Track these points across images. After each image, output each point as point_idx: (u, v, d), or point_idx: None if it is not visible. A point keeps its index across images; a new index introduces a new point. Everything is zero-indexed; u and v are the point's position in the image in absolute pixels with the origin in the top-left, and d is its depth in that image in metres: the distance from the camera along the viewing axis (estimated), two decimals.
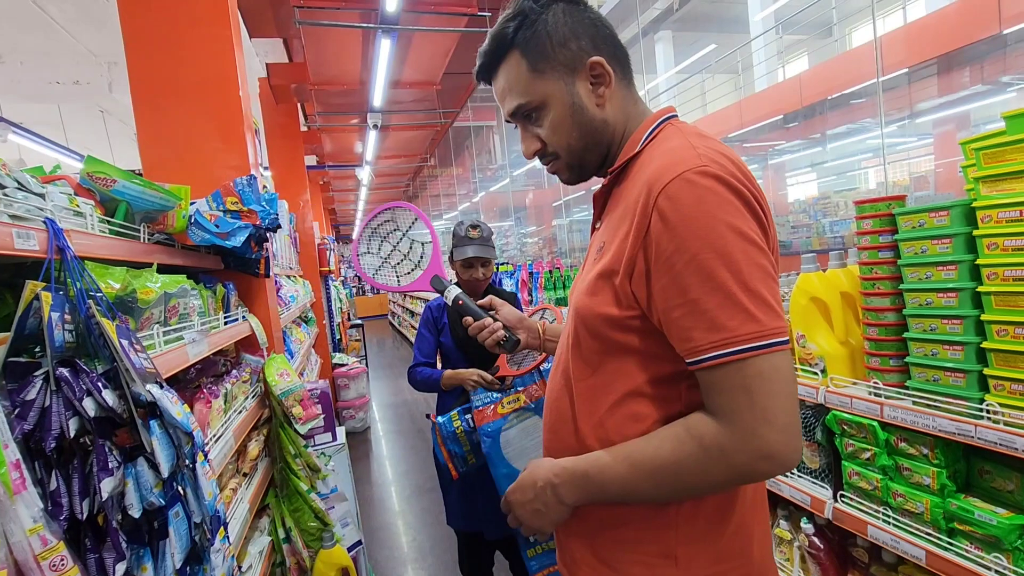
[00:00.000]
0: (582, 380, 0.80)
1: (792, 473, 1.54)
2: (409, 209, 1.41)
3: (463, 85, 6.87)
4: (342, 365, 5.51)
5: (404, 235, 1.40)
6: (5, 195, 0.81)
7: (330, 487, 1.95)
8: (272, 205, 1.74)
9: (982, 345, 1.08)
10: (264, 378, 1.78)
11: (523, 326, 1.21)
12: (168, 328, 1.18)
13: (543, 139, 0.83)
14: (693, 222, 0.65)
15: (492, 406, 1.68)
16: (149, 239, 1.31)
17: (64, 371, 0.74)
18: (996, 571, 1.05)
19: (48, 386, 0.73)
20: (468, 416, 1.72)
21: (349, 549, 1.97)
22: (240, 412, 1.54)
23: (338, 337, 6.50)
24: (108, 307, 0.87)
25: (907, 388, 1.22)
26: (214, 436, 1.30)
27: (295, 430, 1.74)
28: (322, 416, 1.88)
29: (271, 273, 2.05)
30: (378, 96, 5.75)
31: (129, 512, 0.78)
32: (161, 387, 0.87)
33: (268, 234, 1.77)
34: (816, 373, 1.41)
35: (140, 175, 1.28)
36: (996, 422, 1.04)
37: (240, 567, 1.42)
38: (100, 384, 0.77)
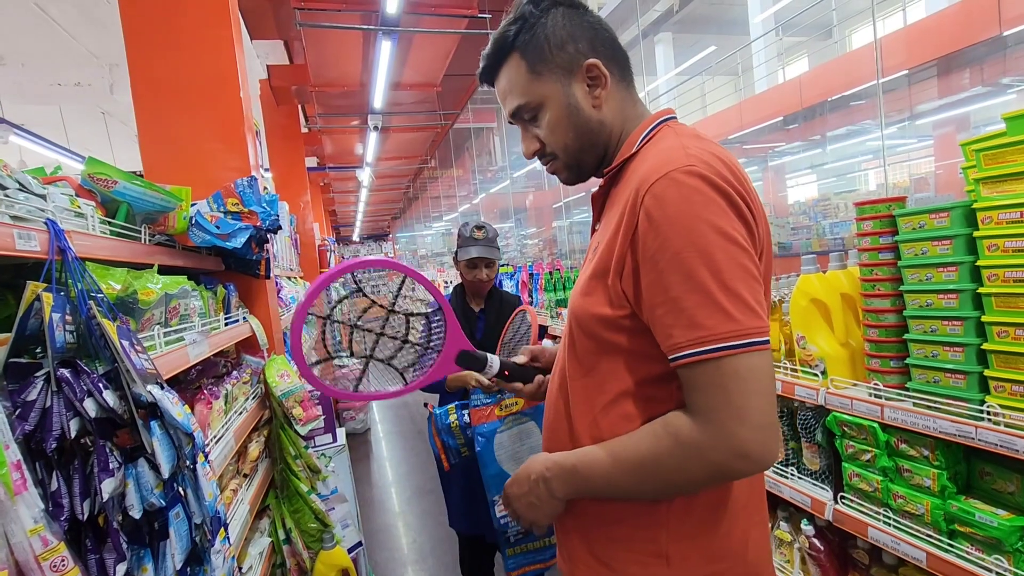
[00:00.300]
0: (577, 379, 0.82)
1: (792, 474, 1.54)
2: (385, 267, 0.91)
3: (463, 87, 6.88)
4: (342, 367, 5.49)
5: (390, 311, 0.91)
6: (6, 196, 0.81)
7: (330, 488, 1.95)
8: (273, 206, 1.75)
9: (982, 346, 1.08)
10: (264, 379, 1.78)
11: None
12: (169, 329, 1.18)
13: (542, 140, 0.85)
14: (676, 221, 0.66)
15: (490, 407, 1.69)
16: (150, 240, 1.32)
17: (65, 372, 0.74)
18: (997, 573, 1.05)
19: (49, 387, 0.73)
20: (465, 412, 1.73)
21: (349, 550, 1.97)
22: (240, 413, 1.54)
23: (339, 338, 6.47)
24: (109, 308, 0.87)
25: (907, 389, 1.22)
26: (215, 437, 1.30)
27: (295, 431, 1.74)
28: (322, 417, 1.88)
29: (272, 274, 2.05)
30: (378, 98, 5.76)
31: (130, 513, 0.78)
32: (162, 388, 0.87)
33: (269, 235, 1.77)
34: (816, 374, 1.41)
35: (141, 176, 1.29)
36: (996, 424, 1.04)
37: (240, 568, 1.42)
38: (101, 385, 0.77)
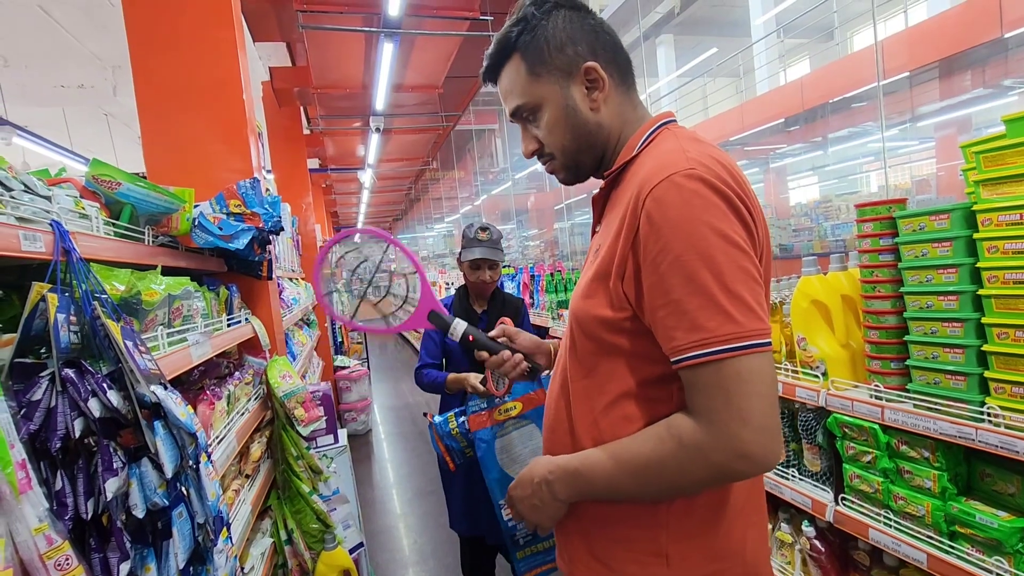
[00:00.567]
0: (578, 381, 0.82)
1: (793, 476, 1.54)
2: (374, 236, 1.16)
3: (465, 89, 6.89)
4: (344, 368, 5.51)
5: (377, 268, 1.16)
6: (12, 198, 0.82)
7: (332, 489, 1.95)
8: (275, 208, 1.75)
9: (983, 348, 1.08)
10: (266, 380, 1.79)
11: (540, 351, 1.12)
12: (172, 330, 1.19)
13: (540, 140, 0.86)
14: (677, 224, 0.67)
15: (488, 412, 1.69)
16: (153, 241, 1.32)
17: (70, 372, 0.74)
18: (997, 574, 1.05)
19: (54, 387, 0.73)
20: (464, 418, 1.74)
21: (351, 551, 1.97)
22: (243, 414, 1.55)
23: (340, 340, 6.51)
24: (113, 308, 0.88)
25: (908, 391, 1.22)
26: (217, 437, 1.31)
27: (297, 432, 1.75)
28: (324, 418, 1.89)
29: (274, 275, 2.05)
30: (380, 100, 5.78)
31: (133, 512, 0.78)
32: (165, 388, 0.88)
33: (271, 237, 1.78)
34: (817, 376, 1.41)
35: (144, 178, 1.29)
36: (997, 425, 1.04)
37: (242, 568, 1.42)
38: (105, 385, 0.78)
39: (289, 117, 5.55)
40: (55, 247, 0.82)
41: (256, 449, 1.68)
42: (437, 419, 1.79)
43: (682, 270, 0.66)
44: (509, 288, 4.16)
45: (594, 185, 0.90)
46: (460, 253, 2.08)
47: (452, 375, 1.94)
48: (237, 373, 1.67)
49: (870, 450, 1.30)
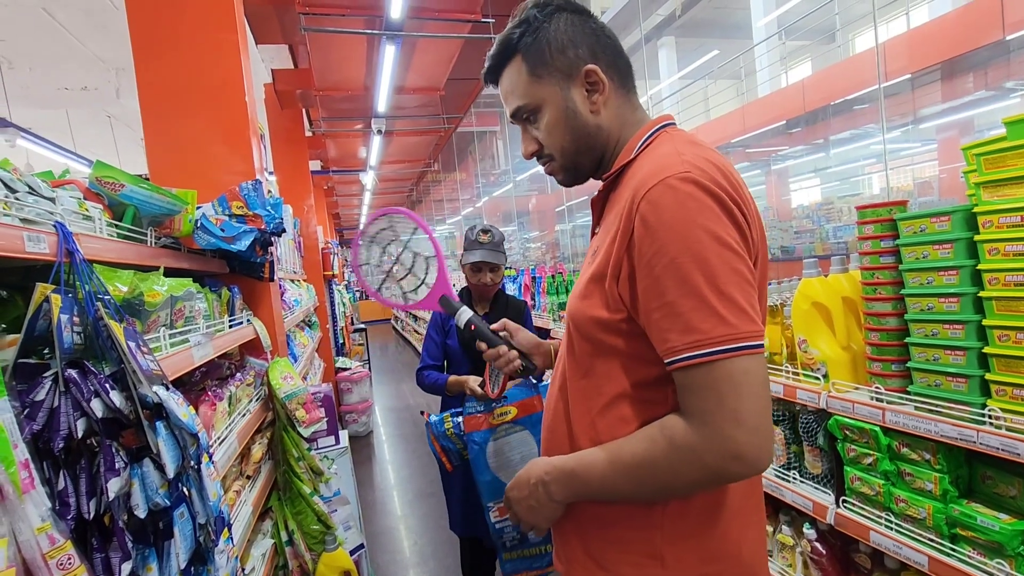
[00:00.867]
0: (575, 382, 0.83)
1: (794, 478, 1.54)
2: (407, 216, 1.23)
3: (467, 91, 6.90)
4: (345, 369, 5.52)
5: (405, 247, 1.24)
6: (16, 199, 0.82)
7: (333, 490, 1.95)
8: (277, 210, 1.76)
9: (984, 350, 1.08)
10: (268, 381, 1.79)
11: (539, 352, 1.13)
12: (174, 331, 1.19)
13: (540, 141, 0.87)
14: (672, 226, 0.68)
15: (483, 415, 1.69)
16: (156, 243, 1.33)
17: (72, 372, 0.75)
18: None
19: (57, 387, 0.74)
20: (459, 420, 1.74)
21: (351, 552, 1.98)
22: (244, 415, 1.55)
23: (341, 341, 6.51)
24: (116, 309, 0.88)
25: (909, 393, 1.22)
26: (218, 438, 1.31)
27: (298, 433, 1.75)
28: (325, 420, 1.89)
29: (275, 277, 2.06)
30: (382, 102, 5.79)
31: (135, 512, 0.78)
32: (167, 389, 0.88)
33: (273, 238, 1.79)
34: (818, 378, 1.41)
35: (147, 180, 1.30)
36: (998, 427, 1.04)
37: (243, 569, 1.42)
38: (108, 385, 0.78)
39: (291, 119, 5.56)
40: (59, 248, 0.83)
41: (257, 450, 1.68)
42: (433, 418, 1.79)
43: (676, 272, 0.67)
44: (511, 290, 4.16)
45: (595, 187, 0.91)
46: (462, 255, 2.09)
47: (453, 377, 1.95)
48: (239, 374, 1.68)
49: (871, 452, 1.29)
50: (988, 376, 1.08)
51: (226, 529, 1.01)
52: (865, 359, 1.33)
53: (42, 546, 0.64)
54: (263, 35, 4.49)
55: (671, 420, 0.71)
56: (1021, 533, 1.04)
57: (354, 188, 12.18)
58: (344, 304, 7.78)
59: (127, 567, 0.76)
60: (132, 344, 0.85)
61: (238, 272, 1.85)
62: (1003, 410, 1.04)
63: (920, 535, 1.20)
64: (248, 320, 1.82)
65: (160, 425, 0.83)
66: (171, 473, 0.82)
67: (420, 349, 2.15)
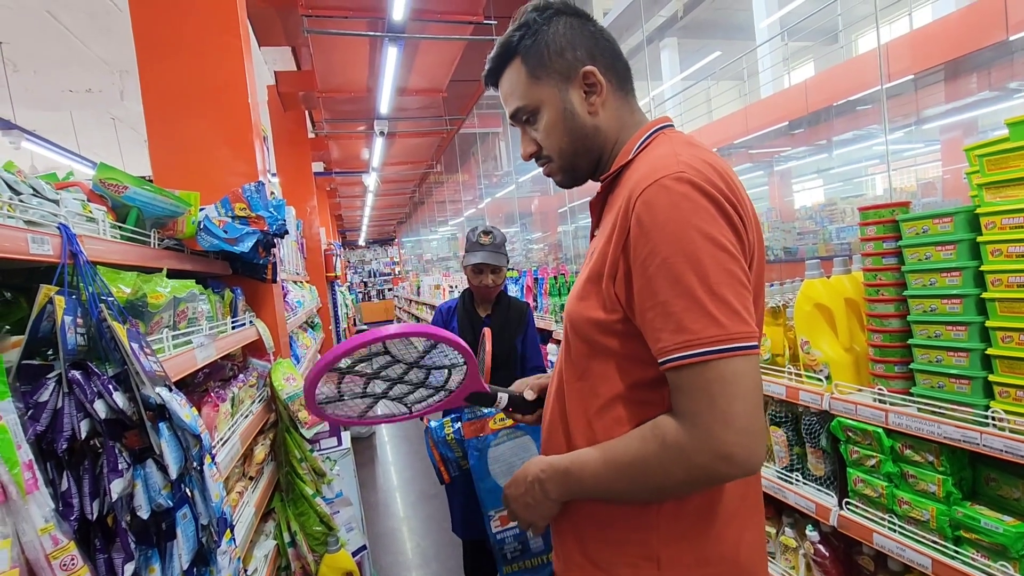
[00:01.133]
0: (572, 383, 0.83)
1: (797, 480, 1.54)
2: (421, 335, 0.84)
3: (469, 92, 6.91)
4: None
5: (412, 366, 0.89)
6: (21, 201, 0.83)
7: (335, 492, 1.96)
8: (280, 211, 1.76)
9: (987, 351, 1.08)
10: (271, 382, 1.80)
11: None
12: (177, 332, 1.20)
13: (538, 142, 0.87)
14: (665, 226, 0.68)
15: (483, 420, 1.68)
16: (159, 244, 1.33)
17: (76, 374, 0.75)
18: None
19: (60, 388, 0.74)
20: (459, 425, 1.73)
21: (354, 554, 1.98)
22: (247, 416, 1.55)
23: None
24: (119, 311, 0.89)
25: (912, 395, 1.22)
26: (221, 439, 1.32)
27: (301, 434, 1.75)
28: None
29: (278, 278, 2.06)
30: (385, 103, 5.81)
31: (138, 513, 0.79)
32: (170, 390, 0.88)
33: (275, 240, 1.79)
34: (821, 379, 1.40)
35: (151, 181, 1.30)
36: (1002, 429, 1.04)
37: (246, 570, 1.43)
38: (111, 387, 0.78)
39: (294, 121, 5.58)
40: (62, 250, 0.83)
41: (260, 451, 1.68)
42: (432, 424, 1.78)
43: (669, 272, 0.67)
44: (513, 291, 4.16)
45: (597, 188, 0.91)
46: (463, 257, 2.09)
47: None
48: (241, 375, 1.68)
49: (874, 454, 1.29)
50: (991, 378, 1.07)
51: (228, 530, 1.01)
52: (868, 361, 1.33)
53: (45, 547, 0.64)
54: (266, 37, 4.51)
55: (663, 420, 0.71)
56: None
57: (357, 189, 12.21)
58: (346, 305, 7.79)
59: (130, 568, 0.76)
60: (135, 345, 0.85)
61: (241, 273, 1.86)
62: (1006, 412, 1.04)
63: (924, 537, 1.20)
64: (251, 321, 1.83)
65: (163, 426, 0.84)
66: (174, 474, 0.83)
67: None
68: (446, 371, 0.91)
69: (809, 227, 7.60)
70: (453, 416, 1.77)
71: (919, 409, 1.19)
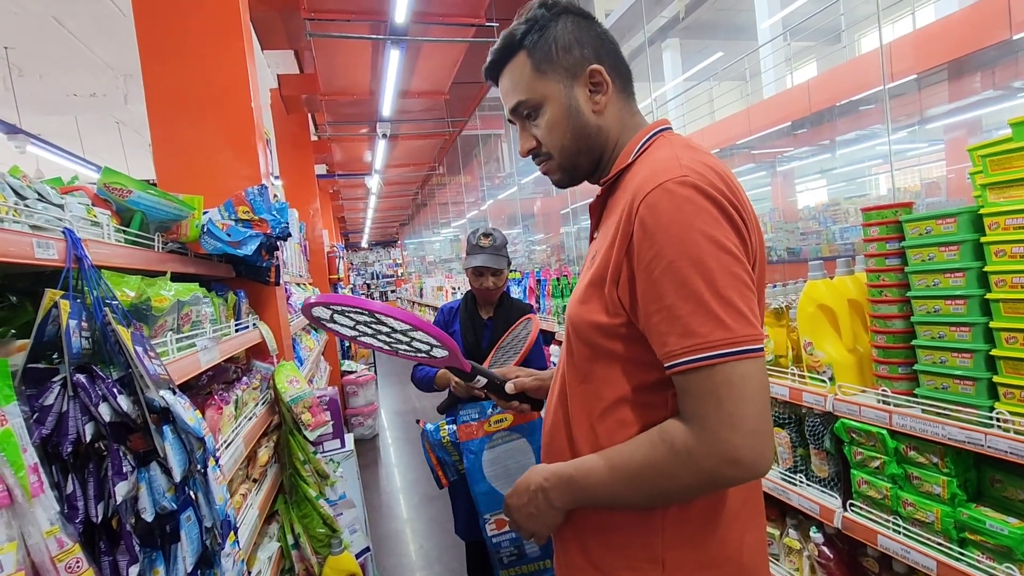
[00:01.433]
0: (575, 386, 0.83)
1: (801, 482, 1.53)
2: (408, 322, 0.89)
3: (471, 94, 6.92)
4: (351, 372, 5.53)
5: (398, 332, 0.94)
6: (26, 206, 0.84)
7: (339, 494, 1.96)
8: (283, 214, 1.77)
9: (991, 352, 1.07)
10: (274, 385, 1.80)
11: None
12: (181, 335, 1.20)
13: (539, 138, 0.86)
14: (670, 230, 0.68)
15: (479, 423, 1.67)
16: (163, 248, 1.34)
17: (81, 377, 0.76)
18: None
19: (65, 392, 0.74)
20: (455, 428, 1.72)
21: (357, 556, 1.98)
22: (250, 418, 1.56)
23: (347, 344, 6.53)
24: (123, 314, 0.89)
25: (916, 396, 1.21)
26: (225, 442, 1.32)
27: (304, 437, 1.76)
28: (331, 423, 1.90)
29: (281, 281, 2.07)
30: (387, 106, 5.82)
31: (142, 516, 0.79)
32: (174, 393, 0.89)
33: (278, 243, 1.80)
34: (824, 381, 1.40)
35: (155, 185, 1.31)
36: (1006, 430, 1.03)
37: (249, 572, 1.43)
38: (115, 390, 0.79)
39: (297, 124, 5.60)
40: (67, 254, 0.84)
41: (263, 453, 1.69)
42: (429, 426, 1.78)
43: (675, 276, 0.67)
44: (516, 293, 4.16)
45: (595, 189, 0.91)
46: (464, 259, 2.09)
47: (440, 371, 1.94)
48: (245, 378, 1.68)
49: (878, 455, 1.29)
50: (996, 379, 1.07)
51: (232, 532, 1.02)
52: (871, 362, 1.33)
53: (51, 549, 0.64)
54: (269, 41, 4.53)
55: (670, 425, 0.71)
56: None
57: (360, 192, 12.24)
58: None
59: (134, 570, 0.77)
60: (139, 349, 0.85)
61: (244, 276, 1.87)
62: (1011, 413, 1.03)
63: (928, 539, 1.19)
64: (254, 324, 1.84)
65: (167, 429, 0.84)
66: (178, 477, 0.83)
67: None
68: (428, 347, 0.99)
69: (812, 227, 7.59)
70: (449, 419, 1.77)
71: (923, 410, 1.18)
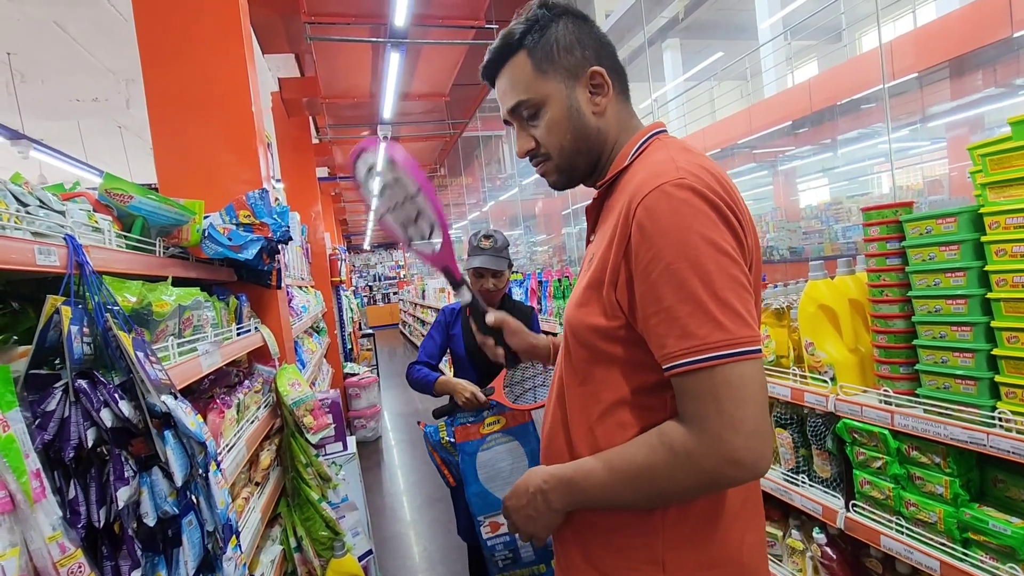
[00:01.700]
0: (573, 389, 0.83)
1: (803, 482, 1.53)
2: (412, 176, 1.00)
3: (472, 96, 6.93)
4: (353, 375, 5.54)
5: (408, 199, 1.02)
6: (28, 213, 0.84)
7: (341, 496, 1.96)
8: (284, 217, 1.78)
9: (993, 352, 1.07)
10: (276, 388, 1.80)
11: (536, 355, 1.15)
12: (182, 340, 1.21)
13: (537, 139, 0.86)
14: (667, 232, 0.68)
15: (475, 425, 1.68)
16: (164, 253, 1.35)
17: (82, 383, 0.76)
18: None
19: (67, 397, 0.75)
20: (451, 429, 1.73)
21: (360, 558, 1.98)
22: (252, 422, 1.56)
23: (349, 347, 6.54)
24: (125, 320, 0.90)
25: (918, 396, 1.21)
26: (227, 446, 1.32)
27: (306, 440, 1.76)
28: (333, 426, 1.90)
29: (283, 284, 2.08)
30: (388, 108, 5.82)
31: (144, 520, 0.79)
32: (175, 398, 0.89)
33: (280, 246, 1.80)
34: (826, 381, 1.40)
35: (156, 190, 1.31)
36: (1009, 430, 1.03)
37: (252, 575, 1.43)
38: (117, 395, 0.79)
39: (298, 127, 5.61)
40: (69, 261, 0.84)
41: (266, 457, 1.69)
42: (428, 428, 1.78)
43: (673, 278, 0.67)
44: (517, 294, 4.16)
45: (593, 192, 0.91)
46: (465, 260, 2.09)
47: (443, 378, 1.92)
48: (247, 381, 1.69)
49: (880, 456, 1.28)
50: (997, 378, 1.07)
51: (234, 536, 1.02)
52: (873, 362, 1.32)
53: (53, 555, 0.65)
54: (269, 45, 4.54)
55: (669, 426, 0.71)
56: None
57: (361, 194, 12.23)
58: (352, 309, 7.81)
59: (137, 574, 0.77)
60: (140, 354, 0.86)
61: (246, 280, 1.87)
62: (1013, 412, 1.03)
63: (931, 539, 1.19)
64: (256, 327, 1.84)
65: (168, 434, 0.84)
66: (179, 481, 0.83)
67: None
68: (428, 226, 1.03)
69: (814, 226, 7.57)
70: (447, 420, 1.78)
71: (925, 410, 1.18)
